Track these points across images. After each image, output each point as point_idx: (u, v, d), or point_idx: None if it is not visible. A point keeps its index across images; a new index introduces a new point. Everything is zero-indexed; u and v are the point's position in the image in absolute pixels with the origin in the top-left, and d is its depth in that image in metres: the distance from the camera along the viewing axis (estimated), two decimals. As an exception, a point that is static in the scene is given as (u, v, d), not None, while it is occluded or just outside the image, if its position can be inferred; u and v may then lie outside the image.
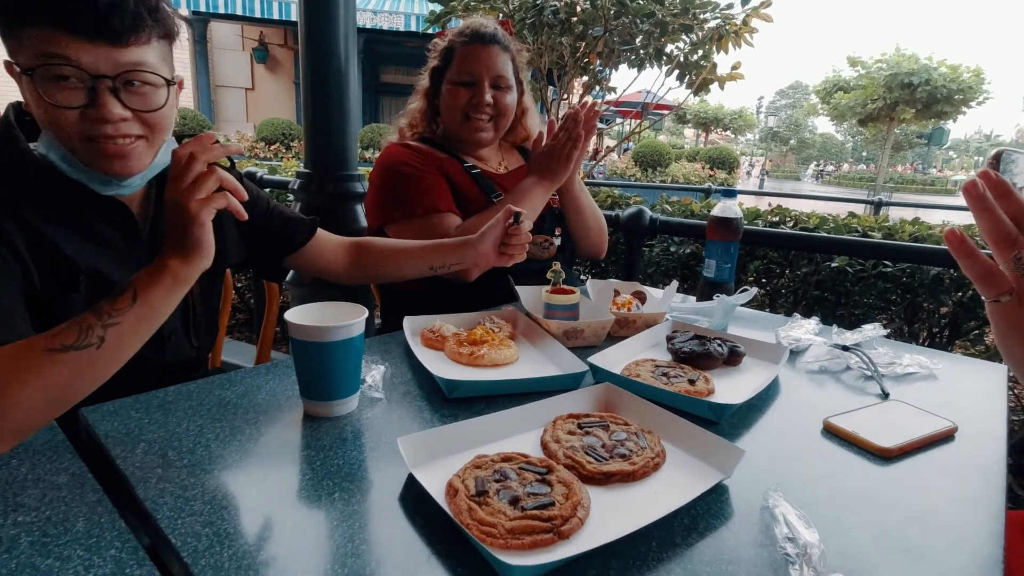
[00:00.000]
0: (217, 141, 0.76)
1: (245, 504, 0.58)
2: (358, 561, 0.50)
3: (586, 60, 3.69)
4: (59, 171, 0.80)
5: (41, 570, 0.47)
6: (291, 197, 2.22)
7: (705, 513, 0.60)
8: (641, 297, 1.25)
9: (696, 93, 3.80)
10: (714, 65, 3.59)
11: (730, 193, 1.36)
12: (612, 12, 3.36)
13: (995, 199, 0.51)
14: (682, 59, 3.63)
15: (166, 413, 0.74)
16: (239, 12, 12.29)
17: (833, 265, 2.15)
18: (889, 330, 1.16)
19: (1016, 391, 2.26)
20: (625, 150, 14.05)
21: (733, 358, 1.00)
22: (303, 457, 0.67)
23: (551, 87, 4.04)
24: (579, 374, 0.88)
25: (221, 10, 12.17)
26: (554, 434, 0.71)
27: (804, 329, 1.14)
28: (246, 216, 0.80)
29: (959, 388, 0.98)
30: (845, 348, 1.06)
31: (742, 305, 1.23)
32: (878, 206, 6.57)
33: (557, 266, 1.14)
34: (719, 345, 1.00)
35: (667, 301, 1.25)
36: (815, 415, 0.82)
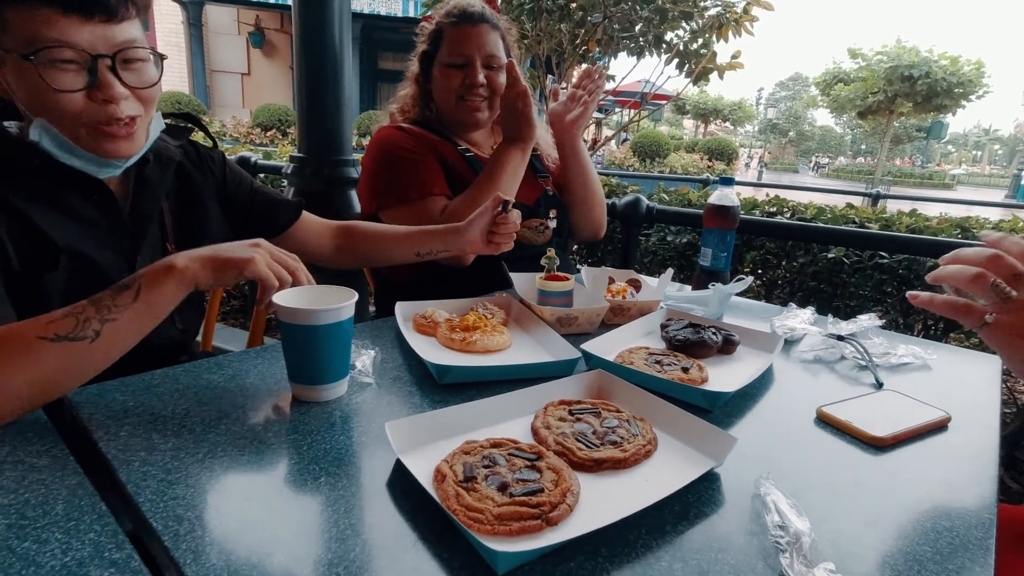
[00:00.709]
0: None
1: (229, 488, 0.57)
2: (343, 546, 0.50)
3: (585, 47, 3.66)
4: (41, 153, 0.78)
5: (18, 553, 0.46)
6: (284, 182, 2.20)
7: (696, 500, 0.59)
8: (636, 285, 1.24)
9: (695, 82, 3.77)
10: (714, 54, 3.56)
11: (728, 181, 1.34)
12: (612, -1, 3.32)
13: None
14: (682, 47, 3.60)
15: (151, 396, 0.73)
16: (235, -5, 12.16)
17: (830, 256, 2.14)
18: (884, 321, 1.15)
19: (1009, 384, 2.27)
20: (623, 140, 13.99)
21: (727, 347, 0.99)
22: (290, 441, 0.66)
23: (549, 75, 4.01)
24: (572, 361, 0.87)
25: (217, -7, 12.03)
26: (545, 420, 0.70)
27: (799, 319, 1.14)
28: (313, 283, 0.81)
29: (953, 379, 0.97)
30: (840, 338, 1.05)
31: (737, 294, 1.23)
32: (875, 199, 6.58)
33: (551, 252, 1.13)
34: (713, 333, 0.99)
35: (662, 289, 1.25)
36: (809, 404, 0.81)
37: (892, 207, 2.96)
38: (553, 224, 1.46)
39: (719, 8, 3.38)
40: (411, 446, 0.63)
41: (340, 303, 0.73)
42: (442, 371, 0.81)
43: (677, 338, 0.98)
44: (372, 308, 1.66)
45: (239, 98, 15.02)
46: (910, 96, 18.34)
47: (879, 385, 0.91)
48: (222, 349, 1.74)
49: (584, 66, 3.95)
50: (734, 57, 3.56)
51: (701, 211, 1.52)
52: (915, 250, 1.97)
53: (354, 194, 2.17)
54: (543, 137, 1.51)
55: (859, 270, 2.10)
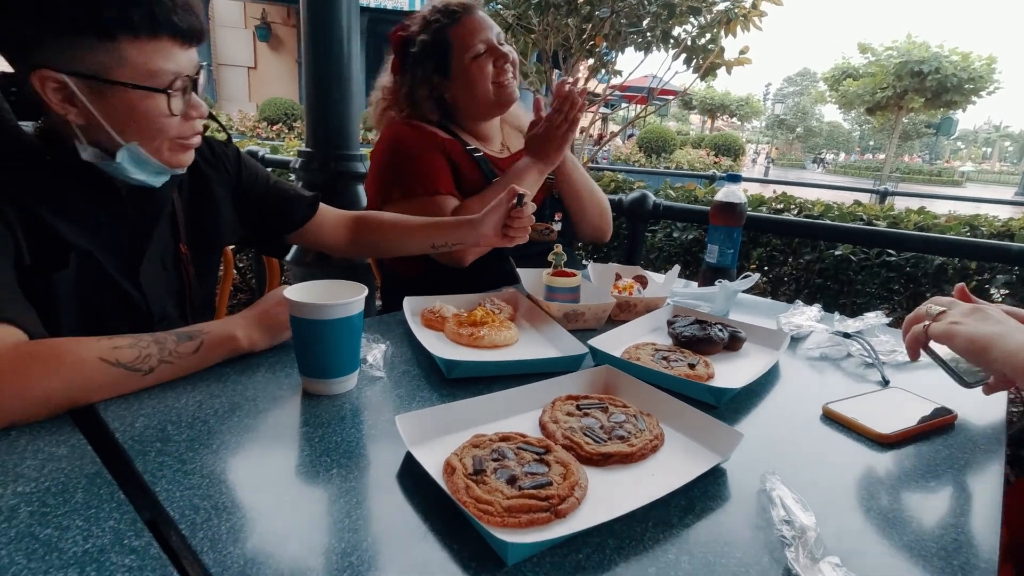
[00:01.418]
0: None
1: (243, 479, 0.59)
2: (355, 536, 0.51)
3: (592, 42, 3.64)
4: (55, 152, 0.79)
5: (40, 539, 0.47)
6: (292, 176, 2.21)
7: (702, 495, 0.60)
8: (642, 281, 1.25)
9: (703, 78, 3.75)
10: (721, 49, 3.55)
11: (735, 178, 1.34)
12: (619, -7, 3.31)
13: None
14: (689, 42, 3.58)
15: (165, 388, 0.74)
16: (241, -11, 12.16)
17: (837, 253, 2.14)
18: (891, 319, 1.15)
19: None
20: (629, 136, 13.94)
21: (734, 343, 1.00)
22: (302, 434, 0.67)
23: (556, 70, 4.00)
24: (579, 356, 0.87)
25: (223, -13, 12.03)
26: (553, 415, 0.71)
27: (805, 316, 1.14)
28: None
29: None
30: (846, 335, 1.05)
31: (744, 291, 1.23)
32: (883, 195, 6.53)
33: (559, 248, 1.14)
34: (720, 330, 1.00)
35: (668, 286, 1.25)
36: (814, 401, 0.82)
37: (900, 204, 2.94)
38: (558, 227, 1.46)
39: (727, 3, 3.36)
40: (421, 439, 0.64)
41: (350, 298, 0.74)
42: (450, 366, 0.82)
43: (684, 334, 0.99)
44: (379, 302, 1.66)
45: (245, 92, 15.04)
46: (920, 92, 18.17)
47: (885, 383, 0.91)
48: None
49: (607, 78, 3.92)
50: (742, 52, 3.54)
51: (708, 207, 1.52)
52: (923, 248, 1.97)
53: (361, 188, 2.18)
54: None
55: (866, 267, 2.10)
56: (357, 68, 2.12)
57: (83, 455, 0.59)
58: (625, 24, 3.47)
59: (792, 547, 0.50)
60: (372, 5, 12.16)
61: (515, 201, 1.08)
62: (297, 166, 2.15)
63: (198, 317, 1.03)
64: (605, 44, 3.69)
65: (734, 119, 40.00)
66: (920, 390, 0.87)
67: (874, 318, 1.12)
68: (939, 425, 0.78)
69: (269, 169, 1.23)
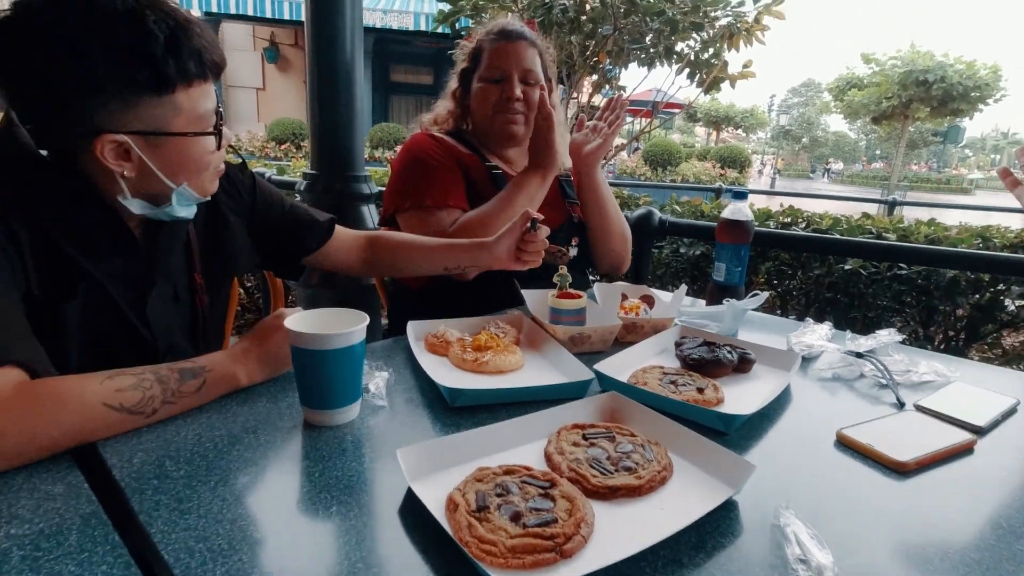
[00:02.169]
0: None
1: (240, 518, 0.57)
2: (354, 579, 0.49)
3: (595, 59, 3.66)
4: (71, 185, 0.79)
5: (31, 586, 0.46)
6: (298, 198, 2.22)
7: (713, 531, 0.58)
8: (649, 301, 1.23)
9: (707, 91, 3.76)
10: (725, 63, 3.55)
11: (741, 195, 1.33)
12: (622, 10, 3.33)
13: None
14: (692, 57, 3.59)
15: (165, 421, 0.73)
16: (250, 12, 12.38)
17: (846, 267, 2.11)
18: (904, 335, 1.13)
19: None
20: (635, 150, 13.99)
21: (743, 365, 0.98)
22: (302, 468, 0.66)
23: (560, 86, 4.02)
24: (585, 382, 0.86)
25: (233, 10, 12.26)
26: (558, 445, 0.69)
27: (816, 335, 1.11)
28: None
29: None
30: (859, 355, 1.03)
31: (753, 309, 1.21)
32: (892, 205, 6.48)
33: (563, 270, 1.13)
34: (729, 352, 0.98)
35: (676, 305, 1.23)
36: (828, 426, 0.79)
37: (909, 214, 2.91)
38: (574, 252, 1.45)
39: (730, 18, 3.38)
40: (423, 472, 0.63)
41: (351, 327, 0.73)
42: (454, 395, 0.80)
43: (692, 357, 0.97)
44: (384, 321, 1.66)
45: (254, 112, 15.24)
46: (925, 101, 18.13)
47: (900, 405, 0.89)
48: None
49: (610, 94, 3.96)
50: (745, 66, 3.54)
51: (714, 223, 1.51)
52: (935, 262, 1.94)
53: (367, 210, 2.18)
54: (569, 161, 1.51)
55: (876, 281, 2.07)
56: (362, 89, 2.14)
57: (79, 494, 0.58)
58: (628, 40, 3.49)
59: (809, 589, 0.48)
60: (378, 26, 12.33)
61: (529, 225, 1.08)
62: (302, 188, 2.16)
63: (209, 345, 1.02)
64: (608, 60, 3.70)
65: (739, 131, 40.06)
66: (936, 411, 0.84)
67: (887, 336, 1.09)
68: (959, 451, 0.76)
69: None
